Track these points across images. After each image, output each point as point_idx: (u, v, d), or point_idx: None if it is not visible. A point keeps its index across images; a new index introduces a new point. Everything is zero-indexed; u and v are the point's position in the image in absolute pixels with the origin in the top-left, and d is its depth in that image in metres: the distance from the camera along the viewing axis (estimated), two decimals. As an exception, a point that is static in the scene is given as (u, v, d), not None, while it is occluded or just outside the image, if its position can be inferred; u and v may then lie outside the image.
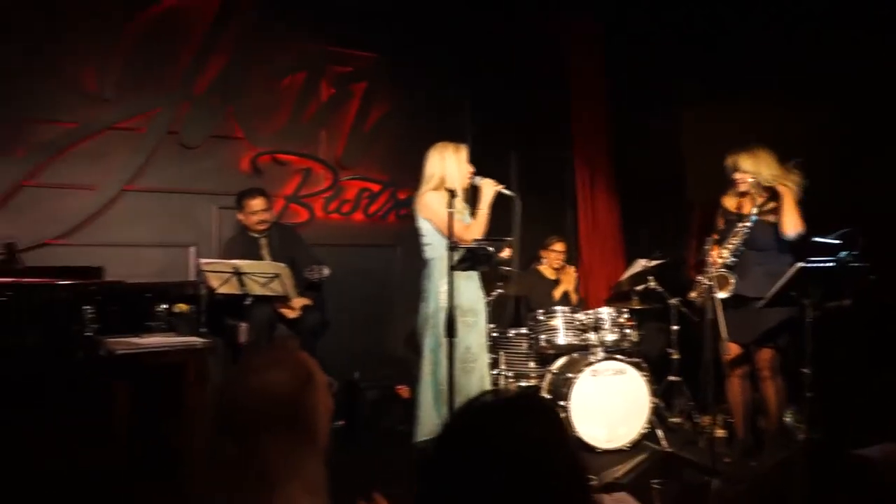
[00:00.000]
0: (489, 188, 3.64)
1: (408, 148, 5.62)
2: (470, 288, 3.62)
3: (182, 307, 3.66)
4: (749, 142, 4.04)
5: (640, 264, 5.03)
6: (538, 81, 6.26)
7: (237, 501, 1.31)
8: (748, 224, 3.91)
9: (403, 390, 4.71)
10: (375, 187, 5.61)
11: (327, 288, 4.70)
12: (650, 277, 4.94)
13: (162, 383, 3.27)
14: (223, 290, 3.94)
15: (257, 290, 3.95)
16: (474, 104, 6.10)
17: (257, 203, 4.52)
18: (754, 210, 3.88)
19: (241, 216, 4.56)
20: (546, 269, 5.47)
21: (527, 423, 1.17)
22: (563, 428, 1.21)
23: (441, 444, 1.18)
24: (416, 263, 3.89)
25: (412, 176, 4.11)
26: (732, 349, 3.99)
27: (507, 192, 3.64)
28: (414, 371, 3.70)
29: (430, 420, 3.48)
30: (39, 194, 4.42)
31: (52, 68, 4.45)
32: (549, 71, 6.30)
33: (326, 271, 4.25)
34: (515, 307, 5.37)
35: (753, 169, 3.88)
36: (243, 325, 3.94)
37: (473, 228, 3.55)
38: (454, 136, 5.83)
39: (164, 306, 3.68)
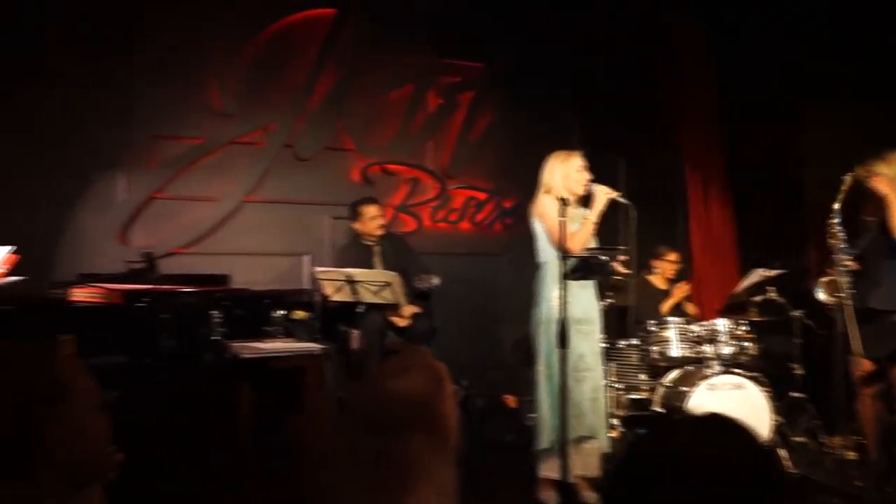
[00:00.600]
0: (602, 196, 3.66)
1: (514, 156, 5.80)
2: (584, 296, 3.63)
3: (300, 314, 3.91)
4: (876, 145, 3.93)
5: (759, 274, 4.97)
6: (647, 87, 6.27)
7: (373, 501, 1.37)
8: (879, 231, 3.80)
9: (510, 400, 4.79)
10: (482, 196, 5.81)
11: (435, 297, 4.86)
12: (770, 288, 4.85)
13: (282, 387, 3.48)
14: (336, 297, 4.20)
15: (369, 298, 4.17)
16: (581, 112, 6.17)
17: (374, 209, 4.78)
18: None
19: (356, 225, 4.83)
20: (657, 280, 5.47)
21: (723, 442, 1.16)
22: (760, 446, 1.19)
23: (631, 465, 1.18)
24: (523, 272, 4.04)
25: (518, 184, 4.24)
26: (865, 365, 3.87)
27: (621, 199, 3.66)
28: (521, 380, 3.77)
29: (547, 428, 3.47)
30: (168, 206, 4.86)
31: (180, 87, 4.88)
32: (658, 77, 6.28)
33: (436, 280, 4.41)
34: (624, 318, 5.37)
35: (892, 173, 3.78)
36: (355, 332, 4.15)
37: (577, 237, 3.56)
38: (560, 144, 5.98)
39: (282, 312, 3.90)
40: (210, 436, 3.14)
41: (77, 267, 4.11)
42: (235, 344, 3.45)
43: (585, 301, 3.62)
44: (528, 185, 4.00)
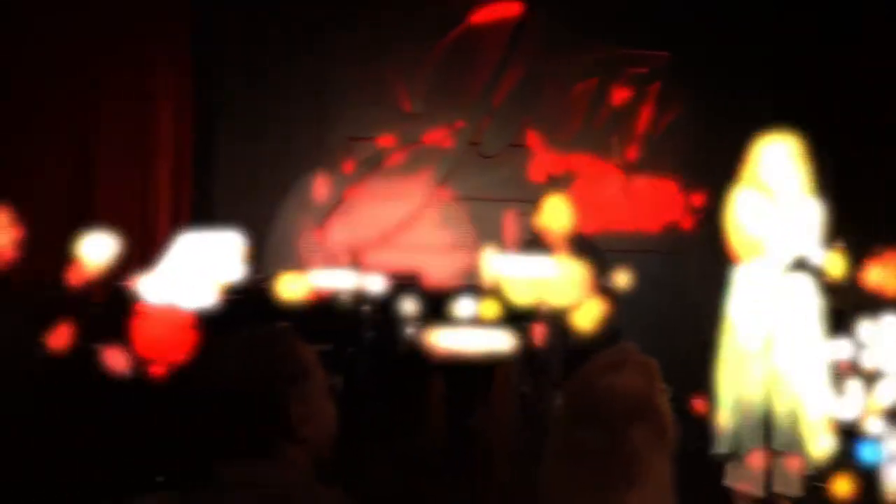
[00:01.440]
0: None
1: (702, 150, 5.72)
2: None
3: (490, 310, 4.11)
4: None
5: None
6: (855, 76, 5.90)
7: (595, 498, 1.40)
8: None
9: (699, 404, 4.71)
10: (669, 192, 5.76)
11: (620, 297, 4.89)
12: None
13: (472, 381, 3.70)
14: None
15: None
16: (777, 96, 5.93)
17: (556, 205, 4.85)
18: None
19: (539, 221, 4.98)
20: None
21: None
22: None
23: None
24: (711, 271, 4.02)
25: (706, 180, 4.16)
26: None
27: None
28: (707, 384, 3.70)
29: (725, 431, 3.45)
30: (363, 204, 5.27)
31: (372, 88, 5.29)
32: (872, 57, 5.91)
33: (622, 279, 4.44)
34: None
35: None
36: (539, 328, 4.27)
37: None
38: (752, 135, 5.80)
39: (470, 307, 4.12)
40: (405, 425, 3.43)
41: (281, 262, 4.55)
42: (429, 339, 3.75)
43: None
44: (718, 179, 3.99)
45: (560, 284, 4.20)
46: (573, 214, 5.25)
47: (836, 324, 4.95)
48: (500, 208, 5.44)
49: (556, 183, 5.49)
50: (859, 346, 4.30)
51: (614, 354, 1.53)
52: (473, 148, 5.43)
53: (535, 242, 4.94)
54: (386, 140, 5.27)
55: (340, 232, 5.15)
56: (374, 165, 5.23)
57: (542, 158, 5.56)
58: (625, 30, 5.64)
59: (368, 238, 5.19)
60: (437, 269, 4.97)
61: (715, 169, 4.16)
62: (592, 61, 5.65)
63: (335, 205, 5.15)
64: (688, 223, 5.71)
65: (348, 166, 5.22)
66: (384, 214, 5.24)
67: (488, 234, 5.37)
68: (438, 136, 5.38)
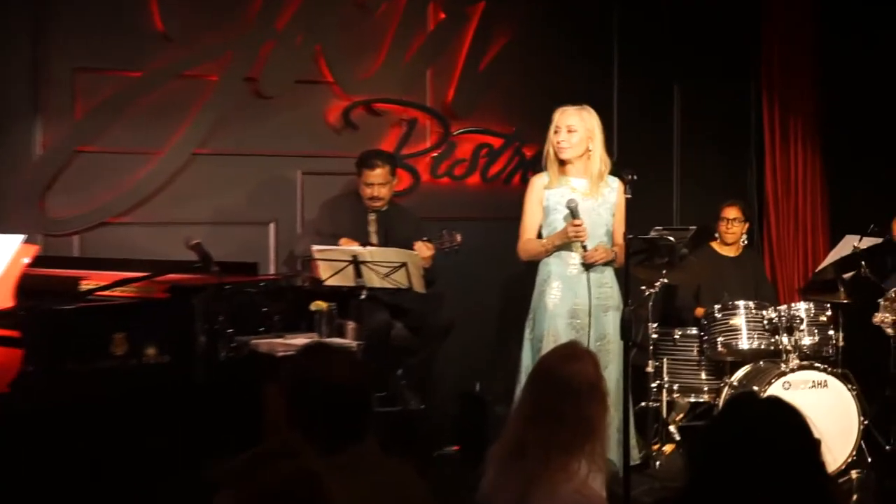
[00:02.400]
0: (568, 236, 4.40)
1: (538, 89, 6.07)
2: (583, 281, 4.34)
3: (321, 304, 4.34)
4: None
5: (850, 243, 5.38)
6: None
7: (568, 444, 2.56)
8: None
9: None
10: (497, 142, 6.08)
11: (448, 277, 5.29)
12: (863, 262, 5.28)
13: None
14: (333, 281, 4.56)
15: (376, 283, 4.53)
16: (623, 22, 6.52)
17: (375, 174, 5.05)
18: None
19: (357, 181, 5.15)
20: (722, 246, 5.90)
21: (788, 416, 2.04)
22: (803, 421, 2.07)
23: (715, 436, 2.07)
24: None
25: (542, 126, 4.61)
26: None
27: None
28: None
29: None
30: (98, 162, 5.06)
31: (108, 4, 5.07)
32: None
33: (459, 238, 4.83)
34: (675, 300, 5.82)
35: None
36: (351, 325, 4.59)
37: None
38: (598, 70, 6.40)
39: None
40: (237, 438, 3.74)
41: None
42: (262, 341, 4.12)
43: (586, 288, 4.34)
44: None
45: (387, 268, 4.43)
46: (393, 189, 5.54)
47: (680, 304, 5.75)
48: (282, 165, 5.51)
49: (357, 131, 5.64)
50: (708, 329, 5.17)
51: (568, 348, 2.81)
52: (249, 85, 5.37)
53: (344, 201, 5.21)
54: (131, 74, 5.10)
55: (68, 200, 4.96)
56: (115, 108, 5.04)
57: (338, 100, 5.63)
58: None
59: (109, 208, 5.07)
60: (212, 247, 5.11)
61: (549, 112, 4.60)
62: None
63: (61, 163, 4.97)
64: (519, 180, 5.98)
65: (79, 109, 5.01)
66: (129, 175, 5.11)
67: (266, 199, 5.48)
68: (203, 70, 5.26)
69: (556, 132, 4.41)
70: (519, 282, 5.14)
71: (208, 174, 5.39)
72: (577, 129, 4.40)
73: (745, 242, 5.91)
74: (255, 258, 4.97)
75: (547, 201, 4.50)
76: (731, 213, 5.78)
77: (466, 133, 6.09)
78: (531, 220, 4.56)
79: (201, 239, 4.17)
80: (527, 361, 4.49)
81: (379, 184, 5.09)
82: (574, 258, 4.43)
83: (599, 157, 4.45)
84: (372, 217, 5.18)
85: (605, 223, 4.45)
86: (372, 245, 4.98)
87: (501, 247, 6.04)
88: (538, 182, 4.52)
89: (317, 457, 1.95)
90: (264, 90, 5.48)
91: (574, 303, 4.41)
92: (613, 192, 4.46)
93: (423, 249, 4.81)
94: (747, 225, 5.84)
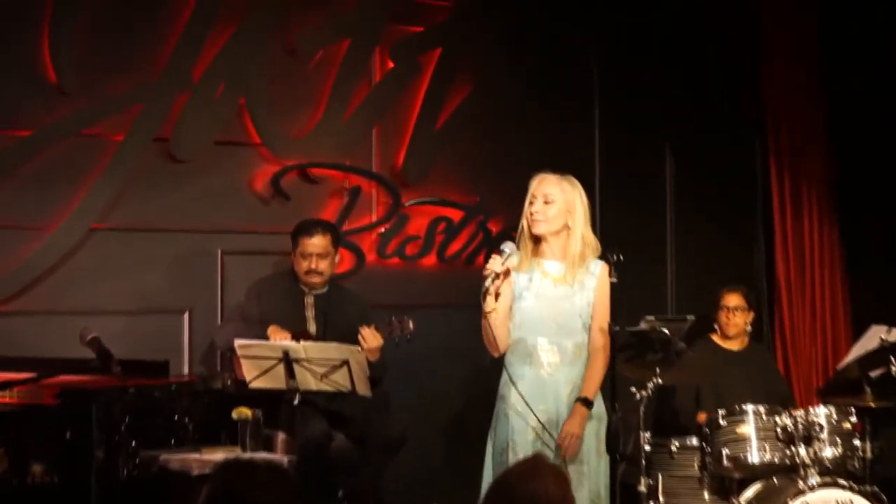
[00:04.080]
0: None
1: (505, 152, 6.39)
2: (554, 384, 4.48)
3: (244, 411, 4.48)
4: None
5: (878, 335, 5.50)
6: (704, 34, 6.99)
7: None
8: None
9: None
10: (456, 215, 6.36)
11: (393, 373, 5.46)
12: (893, 358, 5.39)
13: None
14: (259, 383, 4.70)
15: (312, 385, 4.70)
16: (606, 72, 6.86)
17: (315, 243, 5.26)
18: None
19: (293, 258, 5.36)
20: (724, 340, 6.11)
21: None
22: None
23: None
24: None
25: (512, 196, 4.76)
26: None
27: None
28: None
29: None
30: None
31: None
32: (724, 18, 7.04)
33: (412, 325, 5.01)
34: (672, 403, 5.99)
35: None
36: (281, 436, 4.72)
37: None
38: (577, 124, 6.65)
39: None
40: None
41: None
42: (174, 457, 4.15)
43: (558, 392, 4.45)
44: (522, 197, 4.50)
45: (324, 366, 4.62)
46: (333, 265, 5.60)
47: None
48: (199, 243, 5.71)
49: (289, 201, 5.85)
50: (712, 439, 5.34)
51: (530, 462, 2.80)
52: (160, 147, 5.57)
53: (279, 281, 5.41)
54: (17, 132, 5.25)
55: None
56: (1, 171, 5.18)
57: (266, 164, 5.85)
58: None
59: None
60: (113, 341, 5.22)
61: (522, 180, 4.72)
62: (339, 15, 6.05)
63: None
64: (482, 260, 6.25)
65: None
66: (11, 253, 5.24)
67: (180, 283, 5.66)
68: (105, 128, 5.44)
69: (530, 202, 4.47)
70: (483, 381, 5.23)
71: (109, 253, 5.57)
72: (556, 199, 4.44)
73: (750, 331, 6.08)
74: (165, 355, 5.20)
75: (515, 285, 4.52)
76: (733, 300, 6.03)
77: (420, 204, 6.35)
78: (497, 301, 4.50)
79: (99, 332, 4.26)
80: (488, 478, 4.51)
81: (318, 254, 5.28)
82: (543, 354, 4.47)
83: (581, 237, 4.49)
84: (309, 300, 5.37)
85: (579, 314, 4.48)
86: (309, 334, 5.17)
87: (462, 339, 6.20)
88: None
89: None
90: (177, 152, 5.70)
91: (541, 410, 4.42)
92: (593, 278, 4.51)
93: (371, 337, 4.97)
94: (752, 314, 6.07)
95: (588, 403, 4.40)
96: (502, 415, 4.50)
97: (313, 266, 5.27)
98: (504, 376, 4.51)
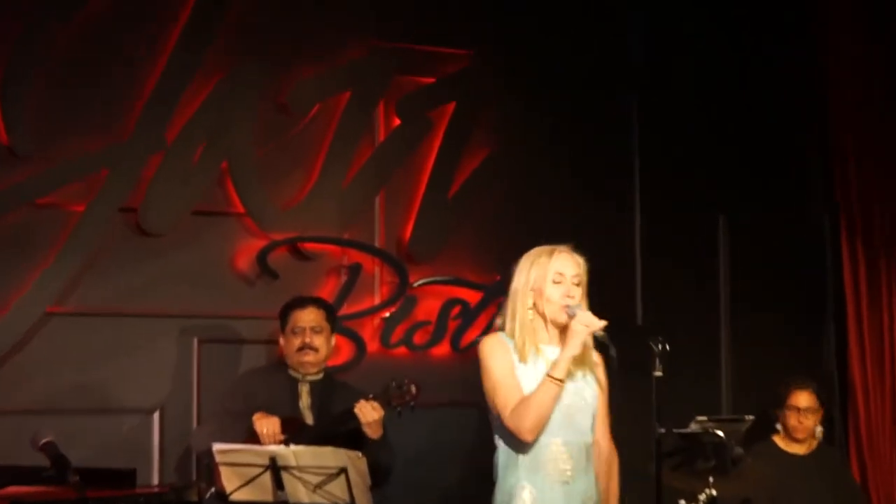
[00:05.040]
0: (580, 330, 4.23)
1: (528, 222, 6.31)
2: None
3: None
4: None
5: None
6: (762, 87, 7.01)
7: None
8: None
9: None
10: (473, 297, 6.32)
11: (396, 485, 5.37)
12: None
13: None
14: (242, 494, 4.56)
15: (303, 497, 4.56)
16: (645, 135, 6.88)
17: (308, 316, 5.24)
18: None
19: (282, 341, 5.32)
20: (789, 443, 6.07)
21: None
22: None
23: None
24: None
25: None
26: None
27: (601, 336, 4.22)
28: None
29: None
30: None
31: None
32: (787, 69, 7.05)
33: (415, 389, 5.01)
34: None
35: None
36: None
37: (530, 406, 4.22)
38: (613, 190, 6.63)
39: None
40: None
41: None
42: None
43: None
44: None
45: (319, 474, 4.56)
46: (327, 347, 5.61)
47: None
48: (170, 330, 5.68)
49: (277, 281, 5.82)
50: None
51: None
52: (128, 218, 5.57)
53: (268, 372, 5.41)
54: None
55: None
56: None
57: (251, 238, 5.83)
58: (398, 15, 6.17)
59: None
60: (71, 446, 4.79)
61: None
62: (342, 64, 6.08)
63: None
64: None
65: None
66: None
67: (149, 376, 5.62)
68: (64, 196, 5.44)
69: (555, 282, 4.37)
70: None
71: (68, 342, 5.56)
72: (581, 280, 4.33)
73: (821, 436, 6.01)
74: (132, 462, 5.10)
75: (522, 379, 4.33)
76: (804, 399, 5.99)
77: (431, 284, 6.31)
78: (512, 378, 4.31)
79: (54, 435, 4.26)
80: None
81: (312, 328, 5.25)
82: (556, 459, 4.29)
83: None
84: (304, 388, 5.32)
85: (592, 412, 4.37)
86: (303, 423, 5.12)
87: (479, 445, 6.14)
88: (500, 344, 4.38)
89: None
90: (148, 224, 5.70)
91: None
92: (595, 371, 4.42)
93: (368, 411, 4.94)
94: (821, 413, 5.97)
95: None
96: None
97: (307, 340, 5.24)
98: (505, 485, 4.35)
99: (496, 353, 4.38)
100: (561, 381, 4.14)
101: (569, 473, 4.26)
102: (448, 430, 5.88)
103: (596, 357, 4.40)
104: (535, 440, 4.22)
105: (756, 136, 7.10)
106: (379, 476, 4.95)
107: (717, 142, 7.00)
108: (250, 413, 5.09)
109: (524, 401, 4.20)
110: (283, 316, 5.31)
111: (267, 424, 4.94)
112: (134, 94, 5.68)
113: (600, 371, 4.40)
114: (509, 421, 4.23)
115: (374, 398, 4.99)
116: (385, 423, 5.06)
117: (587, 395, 4.34)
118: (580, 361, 4.28)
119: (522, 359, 4.32)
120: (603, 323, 4.14)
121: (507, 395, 4.26)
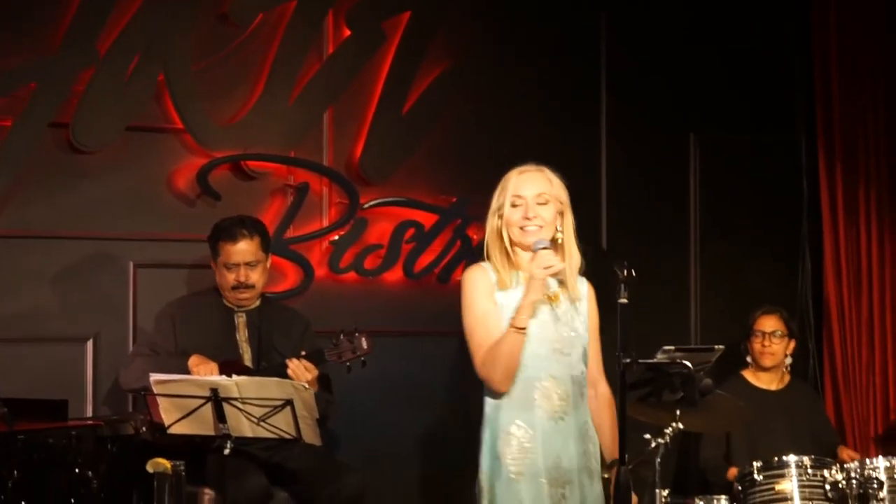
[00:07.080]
0: (539, 269, 4.25)
1: (490, 142, 6.38)
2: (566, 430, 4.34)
3: (163, 463, 4.43)
4: None
5: None
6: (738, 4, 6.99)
7: None
8: None
9: None
10: (428, 220, 6.35)
11: (348, 413, 5.41)
12: None
13: None
14: (181, 428, 4.62)
15: (247, 431, 4.60)
16: (613, 46, 6.89)
17: (241, 249, 5.24)
18: None
19: (213, 267, 5.34)
20: (758, 375, 6.16)
21: None
22: None
23: None
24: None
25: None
26: None
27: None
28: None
29: None
30: None
31: None
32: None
33: (366, 344, 5.03)
34: (702, 455, 5.98)
35: None
36: (208, 494, 4.67)
37: (497, 348, 4.28)
38: (579, 108, 6.65)
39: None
40: None
41: None
42: None
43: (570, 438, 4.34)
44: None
45: (263, 406, 4.54)
46: (262, 274, 5.50)
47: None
48: (107, 253, 5.69)
49: (219, 202, 5.83)
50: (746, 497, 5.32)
51: None
52: (58, 133, 5.55)
53: (202, 300, 5.42)
54: None
55: None
56: None
57: (191, 155, 5.84)
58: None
59: None
60: (5, 376, 5.10)
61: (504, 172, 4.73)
62: None
63: None
64: (459, 274, 6.29)
65: None
66: None
67: (83, 303, 5.65)
68: None
69: (514, 205, 4.34)
70: (461, 429, 5.12)
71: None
72: (549, 199, 4.31)
73: (789, 365, 6.10)
74: (64, 393, 5.10)
75: (503, 309, 4.34)
76: (769, 323, 6.08)
77: (383, 206, 6.33)
78: (488, 320, 4.31)
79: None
80: None
81: (246, 263, 5.26)
82: (547, 395, 4.32)
83: (575, 245, 4.38)
84: (240, 319, 5.36)
85: (582, 342, 4.39)
86: (243, 364, 5.16)
87: (434, 374, 6.19)
88: (481, 275, 4.38)
89: None
90: (80, 140, 5.67)
91: (550, 466, 4.31)
92: (584, 301, 4.45)
93: (301, 372, 4.98)
94: (792, 344, 6.11)
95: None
96: (495, 473, 4.35)
97: (241, 279, 5.26)
98: (492, 424, 4.37)
99: (476, 286, 4.37)
100: (523, 329, 4.16)
101: (562, 409, 4.29)
102: (401, 359, 5.91)
103: (586, 287, 4.45)
104: (516, 383, 4.26)
105: (732, 52, 7.12)
106: None
107: (689, 58, 7.02)
108: (183, 348, 5.15)
109: (491, 350, 4.24)
110: (212, 244, 5.31)
111: (205, 371, 4.97)
112: (64, 3, 5.60)
113: (592, 304, 4.45)
114: (481, 370, 4.27)
115: (307, 357, 5.00)
116: (326, 371, 5.10)
117: (577, 325, 4.37)
118: (572, 290, 4.36)
119: (502, 285, 4.33)
120: (563, 265, 4.20)
121: (481, 337, 4.28)
